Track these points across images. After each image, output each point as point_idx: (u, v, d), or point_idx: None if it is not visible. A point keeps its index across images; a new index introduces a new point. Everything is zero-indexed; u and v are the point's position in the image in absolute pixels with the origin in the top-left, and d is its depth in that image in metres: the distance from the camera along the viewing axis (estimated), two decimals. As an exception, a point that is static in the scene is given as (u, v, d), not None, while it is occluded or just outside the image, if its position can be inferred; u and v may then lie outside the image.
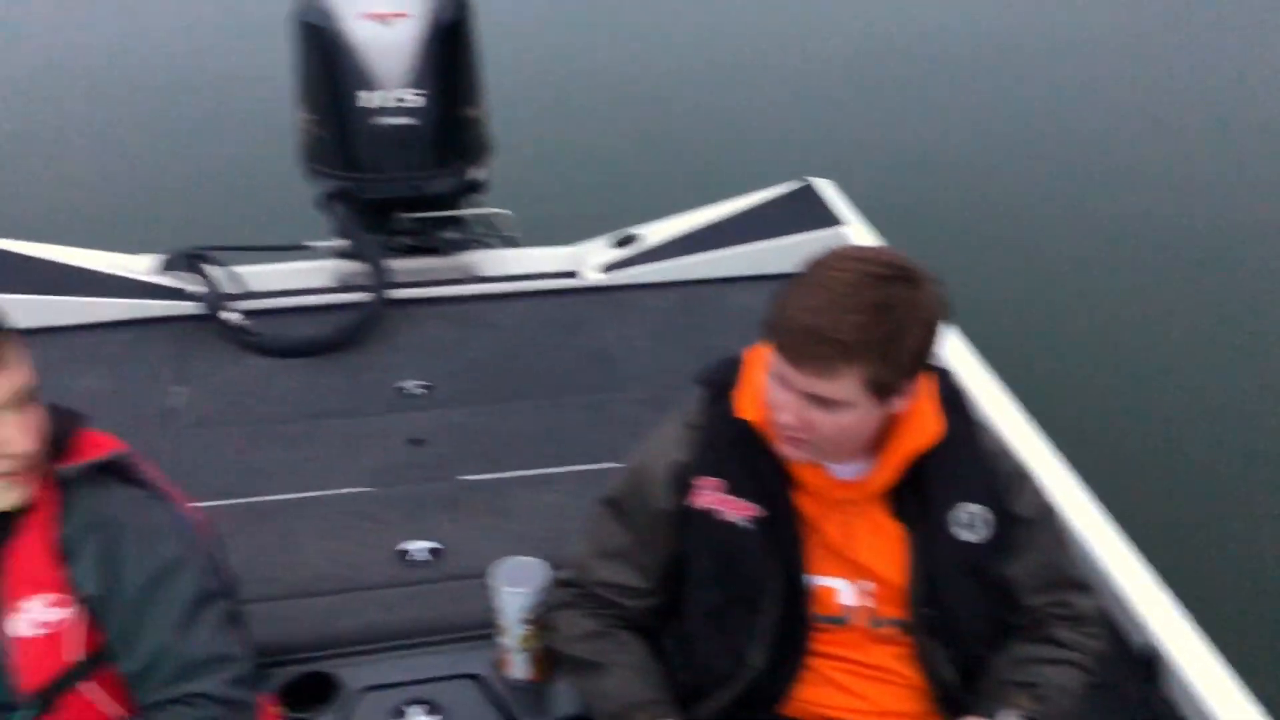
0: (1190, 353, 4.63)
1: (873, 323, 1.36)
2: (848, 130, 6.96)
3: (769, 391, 1.47)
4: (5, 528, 1.46)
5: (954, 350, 2.87)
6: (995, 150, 6.71)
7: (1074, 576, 1.67)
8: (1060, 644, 1.61)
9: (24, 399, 1.44)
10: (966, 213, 5.87)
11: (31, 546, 1.46)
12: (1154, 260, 5.42)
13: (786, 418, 1.44)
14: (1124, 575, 2.11)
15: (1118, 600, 2.07)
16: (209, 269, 3.36)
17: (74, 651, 1.46)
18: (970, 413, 1.63)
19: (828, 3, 9.41)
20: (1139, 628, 2.02)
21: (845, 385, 1.40)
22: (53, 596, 1.46)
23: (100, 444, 1.56)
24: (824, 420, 1.43)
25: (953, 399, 1.61)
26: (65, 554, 1.47)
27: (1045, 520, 1.64)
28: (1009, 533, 1.59)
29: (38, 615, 1.44)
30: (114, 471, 1.55)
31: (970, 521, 1.56)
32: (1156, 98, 7.47)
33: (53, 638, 1.45)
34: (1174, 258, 5.45)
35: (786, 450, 1.50)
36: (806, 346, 1.37)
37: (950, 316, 1.45)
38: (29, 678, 1.44)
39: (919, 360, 1.43)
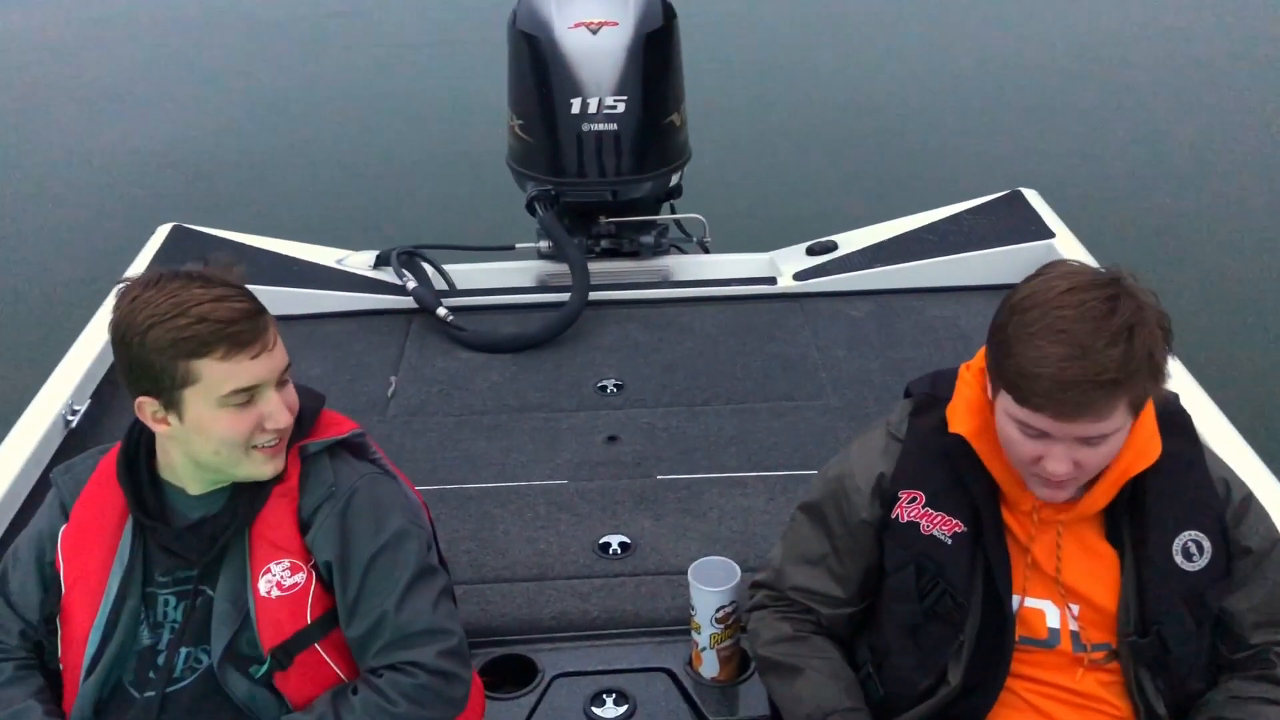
0: None
1: (1129, 352, 1.33)
2: (1054, 142, 6.71)
3: (1015, 442, 1.43)
4: (259, 496, 1.59)
5: (1174, 371, 2.74)
6: (1205, 163, 6.34)
7: None
8: (1282, 684, 1.53)
9: (285, 378, 1.57)
10: (1176, 226, 5.58)
11: (279, 514, 1.59)
12: None
13: (1059, 468, 1.40)
14: None
15: None
16: (424, 266, 3.52)
17: (309, 614, 1.58)
18: (1193, 435, 1.57)
19: (1037, 10, 9.08)
20: None
21: (1117, 418, 1.37)
22: (294, 562, 1.58)
23: (339, 423, 1.68)
24: (1093, 457, 1.41)
25: (1174, 420, 1.56)
26: (305, 523, 1.59)
27: (1274, 552, 1.56)
28: (1233, 563, 1.53)
29: (280, 578, 1.57)
30: (349, 449, 1.67)
31: (1190, 549, 1.51)
32: None
33: (292, 599, 1.57)
34: None
35: (1048, 496, 1.47)
36: (1078, 399, 1.34)
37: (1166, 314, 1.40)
38: (269, 635, 1.56)
39: (1166, 365, 1.39)
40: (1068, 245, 3.36)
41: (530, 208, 3.54)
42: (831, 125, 7.05)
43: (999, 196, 3.69)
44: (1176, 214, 5.72)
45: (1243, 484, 1.58)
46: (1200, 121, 6.92)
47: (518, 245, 3.66)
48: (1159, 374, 1.36)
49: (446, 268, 3.54)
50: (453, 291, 3.48)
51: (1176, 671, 1.53)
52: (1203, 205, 5.79)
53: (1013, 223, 3.53)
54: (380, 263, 3.55)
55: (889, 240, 3.59)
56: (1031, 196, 3.67)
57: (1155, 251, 5.15)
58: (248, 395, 1.52)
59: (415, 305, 3.38)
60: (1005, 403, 1.41)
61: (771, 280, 3.51)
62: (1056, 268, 1.42)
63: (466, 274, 3.55)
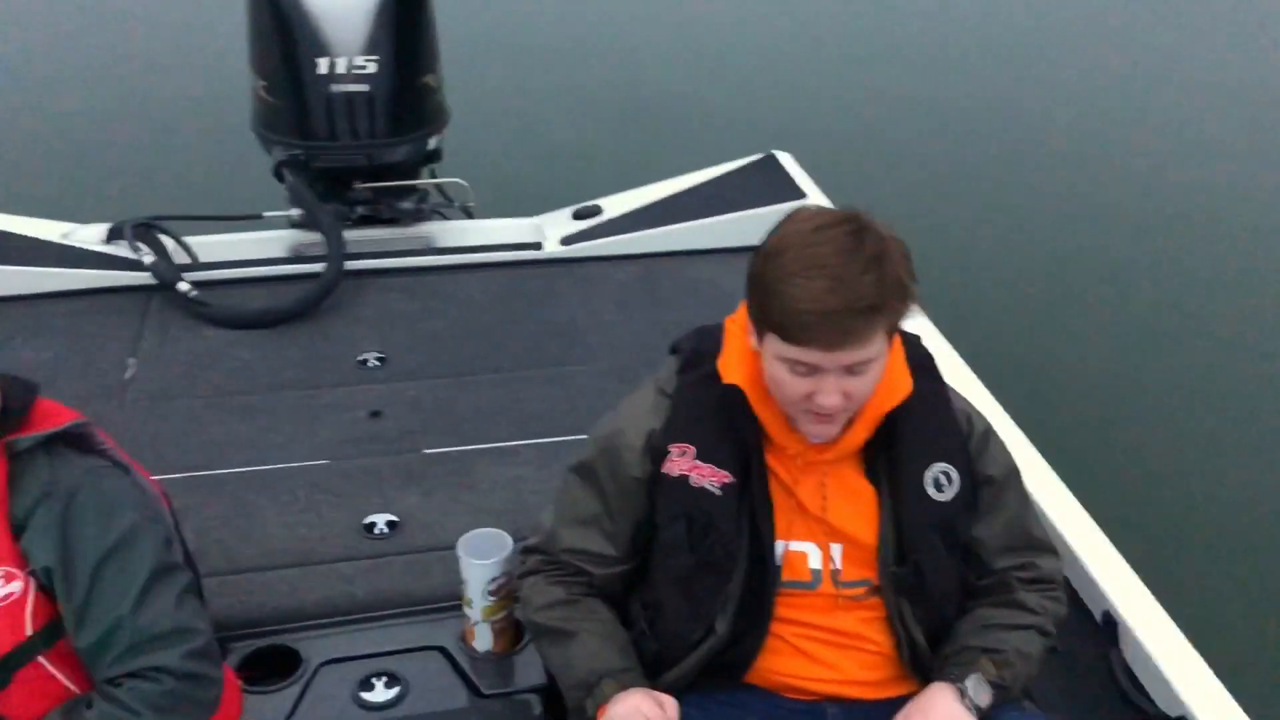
0: (1146, 318, 4.71)
1: (881, 276, 1.38)
2: (808, 104, 6.98)
3: (786, 384, 1.46)
4: None
5: (917, 320, 2.90)
6: (949, 123, 6.76)
7: (1039, 538, 1.69)
8: (1024, 607, 1.63)
9: None
10: (923, 183, 5.92)
11: None
12: (1113, 224, 5.50)
13: (831, 400, 1.44)
14: (1082, 541, 2.14)
15: (1077, 565, 2.11)
16: (162, 239, 3.31)
17: (28, 625, 1.43)
18: (936, 373, 1.65)
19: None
20: (1098, 593, 2.06)
21: (877, 343, 1.43)
22: (7, 570, 1.43)
23: (56, 414, 1.52)
24: (860, 384, 1.46)
25: (921, 361, 1.63)
26: (18, 526, 1.44)
27: (1012, 480, 1.66)
28: (978, 493, 1.61)
29: None
30: (70, 442, 1.52)
31: (940, 480, 1.58)
32: (1118, 74, 7.56)
33: (7, 611, 1.42)
34: (1132, 219, 5.53)
35: (820, 431, 1.51)
36: (841, 326, 1.38)
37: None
38: None
39: (912, 288, 1.45)
40: (817, 205, 3.49)
41: (278, 174, 3.40)
42: (595, 88, 7.08)
43: (754, 160, 3.82)
44: (921, 170, 6.07)
45: (983, 417, 1.67)
46: (945, 85, 7.36)
47: (266, 214, 3.52)
48: (908, 297, 1.42)
49: (188, 240, 3.36)
50: (196, 265, 3.30)
51: (932, 599, 1.60)
52: (946, 166, 6.17)
53: (768, 185, 3.66)
54: (113, 236, 3.31)
55: (652, 204, 3.64)
56: (784, 159, 3.81)
57: (897, 205, 5.43)
58: None
59: (154, 281, 3.18)
60: (773, 345, 1.44)
61: (537, 245, 3.51)
62: (799, 214, 1.47)
63: (211, 246, 3.37)
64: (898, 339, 1.56)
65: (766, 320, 1.43)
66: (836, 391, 1.44)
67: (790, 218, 1.46)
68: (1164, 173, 6.14)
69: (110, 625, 1.45)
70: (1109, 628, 2.01)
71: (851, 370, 1.43)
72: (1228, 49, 8.09)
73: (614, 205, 3.68)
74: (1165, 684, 1.88)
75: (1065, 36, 8.33)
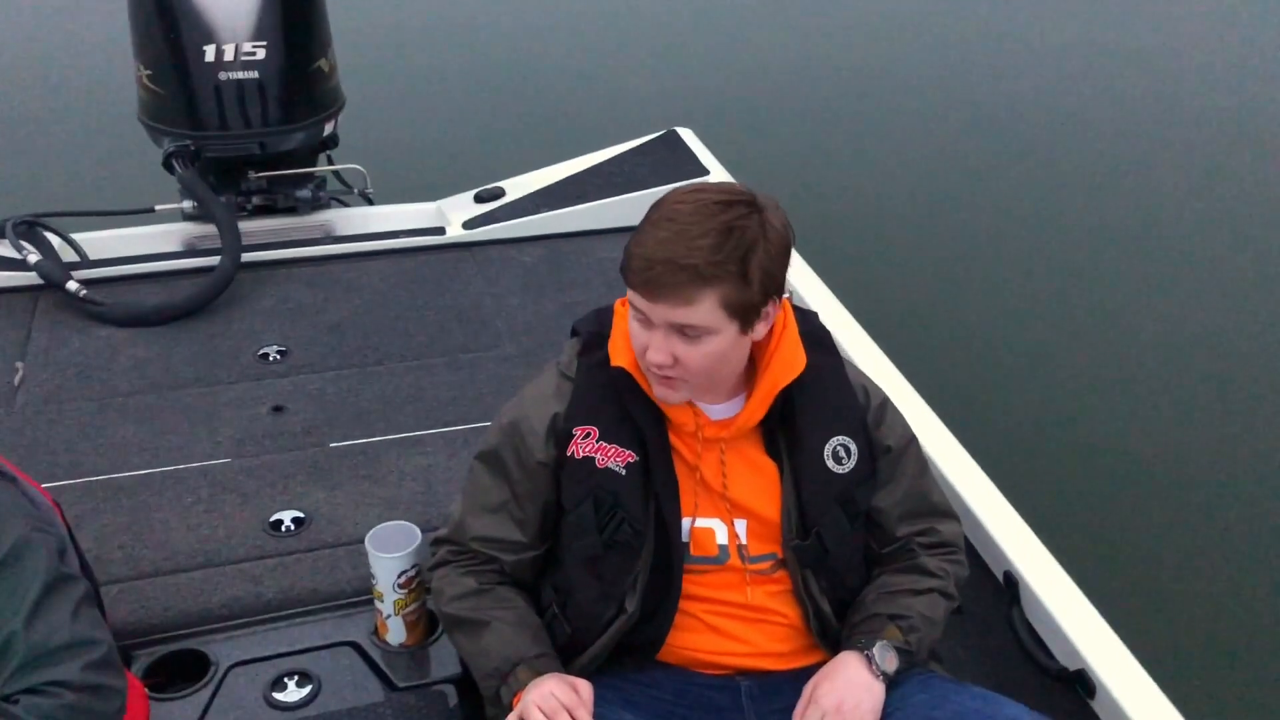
0: (1042, 278, 4.83)
1: (720, 244, 1.41)
2: (709, 79, 7.00)
3: (634, 335, 1.51)
4: None
5: (810, 288, 2.95)
6: (854, 93, 6.85)
7: (939, 504, 1.73)
8: (927, 572, 1.67)
9: None
10: (827, 155, 5.99)
11: None
12: (1013, 189, 5.62)
13: (656, 356, 1.48)
14: (982, 503, 2.20)
15: (978, 527, 2.16)
16: (48, 236, 3.21)
17: None
18: (833, 348, 1.68)
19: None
20: (998, 554, 2.12)
21: (705, 310, 1.44)
22: None
23: None
24: (691, 352, 1.47)
25: (816, 335, 1.66)
26: None
27: (910, 449, 1.70)
28: (877, 463, 1.65)
29: None
30: None
31: (839, 452, 1.61)
32: (1034, 39, 7.71)
33: None
34: (1032, 182, 5.66)
35: (662, 394, 1.54)
36: (662, 277, 1.42)
37: (795, 238, 1.51)
38: None
39: (772, 280, 1.48)
40: (721, 180, 3.52)
41: (168, 165, 3.33)
42: (493, 68, 7.02)
43: (656, 136, 3.84)
44: (826, 141, 6.14)
45: (879, 389, 1.71)
46: (849, 53, 7.44)
47: (158, 207, 3.44)
48: (749, 280, 1.44)
49: (76, 236, 3.27)
50: (85, 263, 3.21)
51: (836, 570, 1.64)
52: (850, 137, 6.24)
53: (670, 162, 3.68)
54: (-7, 236, 3.20)
55: (555, 184, 3.64)
56: (687, 135, 3.83)
57: (798, 176, 5.51)
58: None
59: (40, 281, 3.08)
60: (629, 294, 1.50)
61: (440, 230, 3.49)
62: (700, 185, 1.51)
63: (100, 242, 3.29)
64: (789, 313, 1.59)
65: (623, 269, 1.49)
66: (664, 349, 1.47)
67: (681, 187, 1.50)
68: (1066, 123, 6.29)
69: (2, 642, 1.41)
70: (1010, 587, 2.06)
71: (683, 334, 1.46)
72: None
73: (517, 187, 3.67)
74: (1065, 639, 1.94)
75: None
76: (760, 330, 1.52)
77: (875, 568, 1.71)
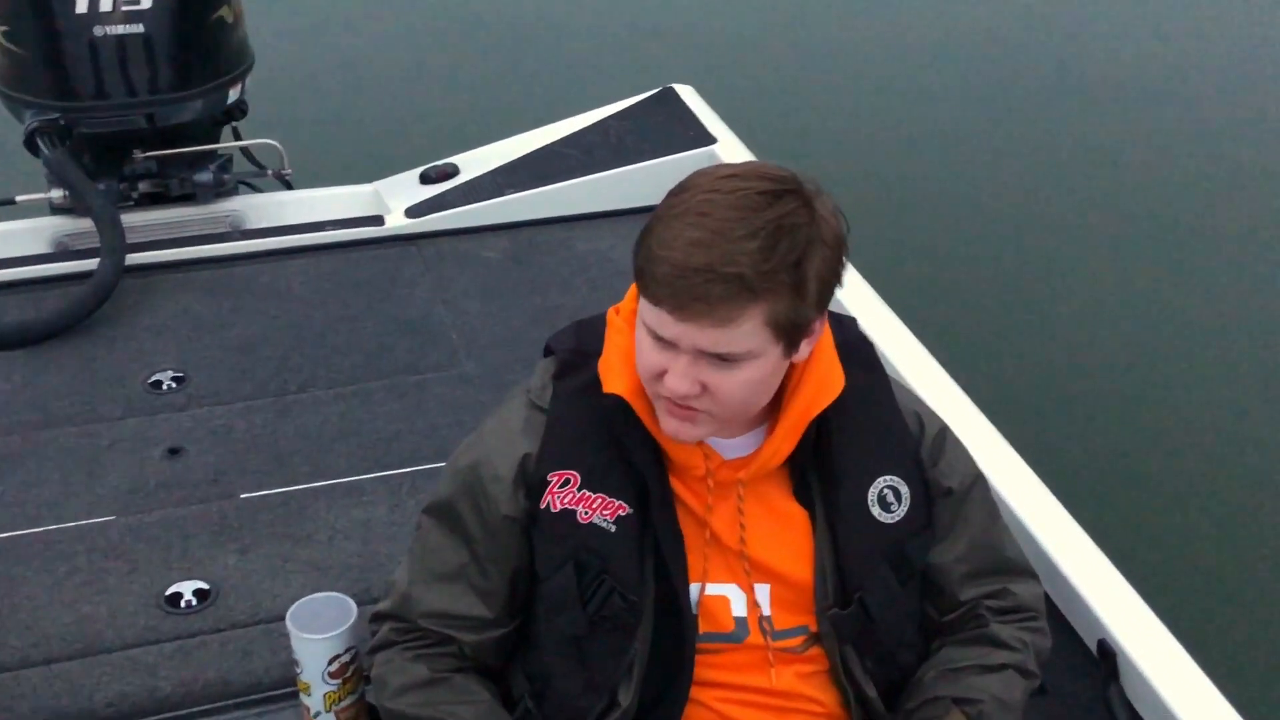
0: (1136, 297, 4.83)
1: (771, 247, 1.39)
2: (712, 26, 7.01)
3: (644, 355, 1.48)
4: None
5: (847, 287, 2.94)
6: (885, 50, 6.86)
7: (1014, 558, 1.73)
8: (1000, 644, 1.67)
9: None
10: (858, 119, 6.00)
11: None
12: (1095, 186, 5.61)
13: (680, 385, 1.45)
14: (1069, 556, 2.20)
15: (1065, 586, 2.16)
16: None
17: None
18: (876, 364, 1.67)
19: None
20: (1091, 619, 2.12)
21: (748, 330, 1.41)
22: None
23: None
24: (724, 382, 1.45)
25: (856, 347, 1.65)
26: None
27: (975, 491, 1.69)
28: (934, 509, 1.65)
29: None
30: None
31: (886, 496, 1.61)
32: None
33: None
34: (1119, 185, 5.65)
35: (674, 429, 1.52)
36: (696, 290, 1.39)
37: (850, 241, 1.49)
38: None
39: (827, 290, 1.47)
40: (733, 153, 3.54)
41: (31, 144, 3.34)
42: (443, 14, 7.03)
43: (648, 96, 3.85)
44: (852, 111, 6.15)
45: (936, 416, 1.70)
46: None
47: (19, 198, 3.46)
48: (804, 291, 1.42)
49: (-86, 237, 3.28)
50: (-75, 270, 3.22)
51: (885, 644, 1.63)
52: (886, 101, 6.26)
53: (667, 128, 3.70)
54: None
55: (523, 159, 3.67)
56: (686, 93, 3.85)
57: (831, 152, 5.52)
58: None
59: None
60: (641, 305, 1.47)
61: (378, 219, 3.51)
62: (732, 165, 1.49)
63: None
64: (825, 322, 1.58)
65: (635, 267, 1.46)
66: (689, 377, 1.44)
67: (707, 168, 1.48)
68: (1152, 110, 6.30)
69: None
70: (1106, 660, 2.07)
71: (716, 359, 1.43)
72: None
73: (474, 163, 3.68)
74: (1177, 723, 1.94)
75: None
76: (805, 351, 1.51)
77: (935, 640, 1.70)
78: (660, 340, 1.45)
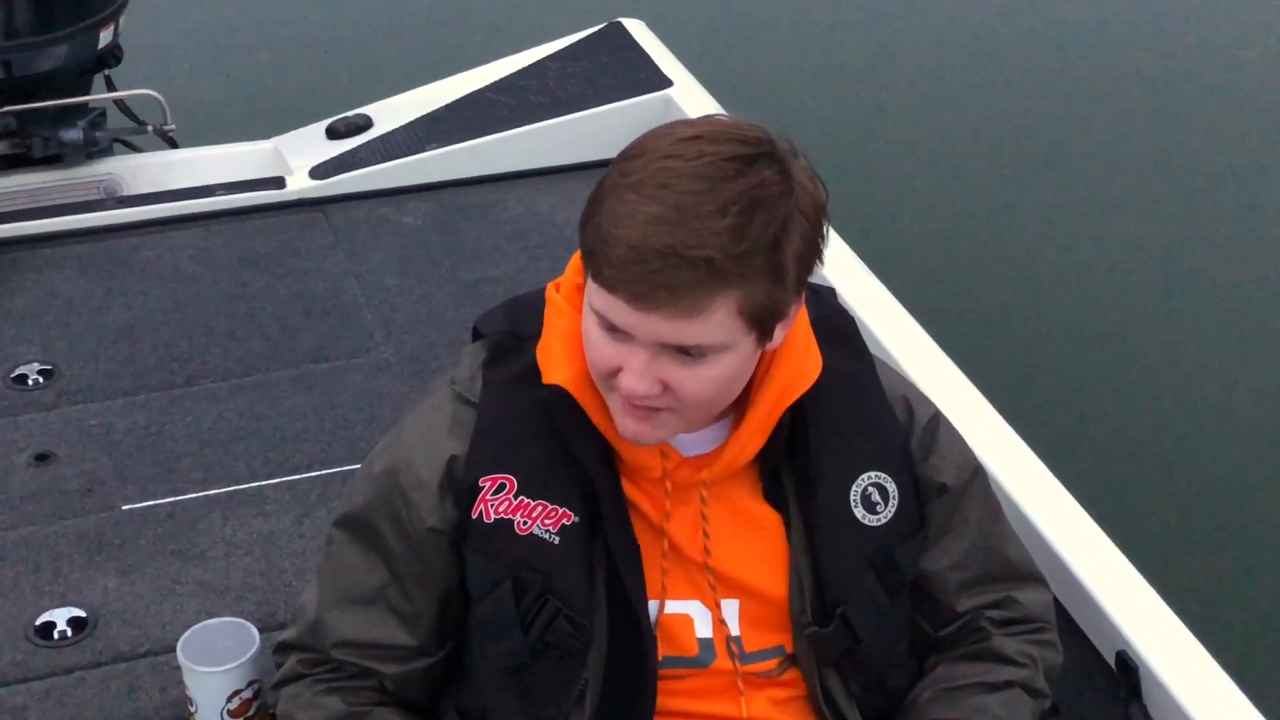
0: (1165, 257, 4.86)
1: (744, 225, 1.37)
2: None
3: (596, 349, 1.47)
4: None
5: (833, 259, 2.95)
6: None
7: (1018, 563, 1.74)
8: (1004, 659, 1.68)
9: None
10: (838, 56, 6.02)
11: None
12: (1110, 130, 5.64)
13: (638, 384, 1.43)
14: (1086, 560, 2.21)
15: (1079, 592, 2.18)
16: None
17: None
18: (861, 342, 1.68)
19: None
20: (1109, 628, 2.14)
21: (718, 321, 1.40)
22: None
23: None
24: (689, 380, 1.44)
25: (835, 325, 1.65)
26: None
27: (974, 487, 1.70)
28: (926, 509, 1.66)
29: None
30: None
31: (871, 495, 1.62)
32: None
33: None
34: (1131, 135, 5.68)
35: (634, 432, 1.50)
36: (658, 276, 1.36)
37: (828, 198, 1.48)
38: None
39: (807, 271, 1.46)
40: (692, 97, 3.54)
41: None
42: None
43: (592, 33, 3.86)
44: (826, 49, 6.15)
45: (928, 402, 1.71)
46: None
47: None
48: (782, 274, 1.41)
49: None
50: None
51: (871, 666, 1.64)
52: (864, 36, 6.27)
53: (614, 69, 3.71)
54: None
55: (447, 108, 3.67)
56: (636, 29, 3.85)
57: (803, 95, 5.53)
58: None
59: None
60: (589, 288, 1.45)
61: (279, 181, 3.52)
62: (694, 122, 1.48)
63: None
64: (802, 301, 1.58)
65: (583, 245, 1.44)
66: (647, 375, 1.42)
67: (667, 125, 1.46)
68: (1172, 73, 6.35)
69: None
70: (1127, 675, 2.08)
71: (679, 352, 1.42)
72: None
73: (388, 114, 3.69)
74: (1208, 745, 1.97)
75: None
76: (779, 338, 1.50)
77: (930, 657, 1.72)
78: (613, 330, 1.43)
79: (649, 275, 1.36)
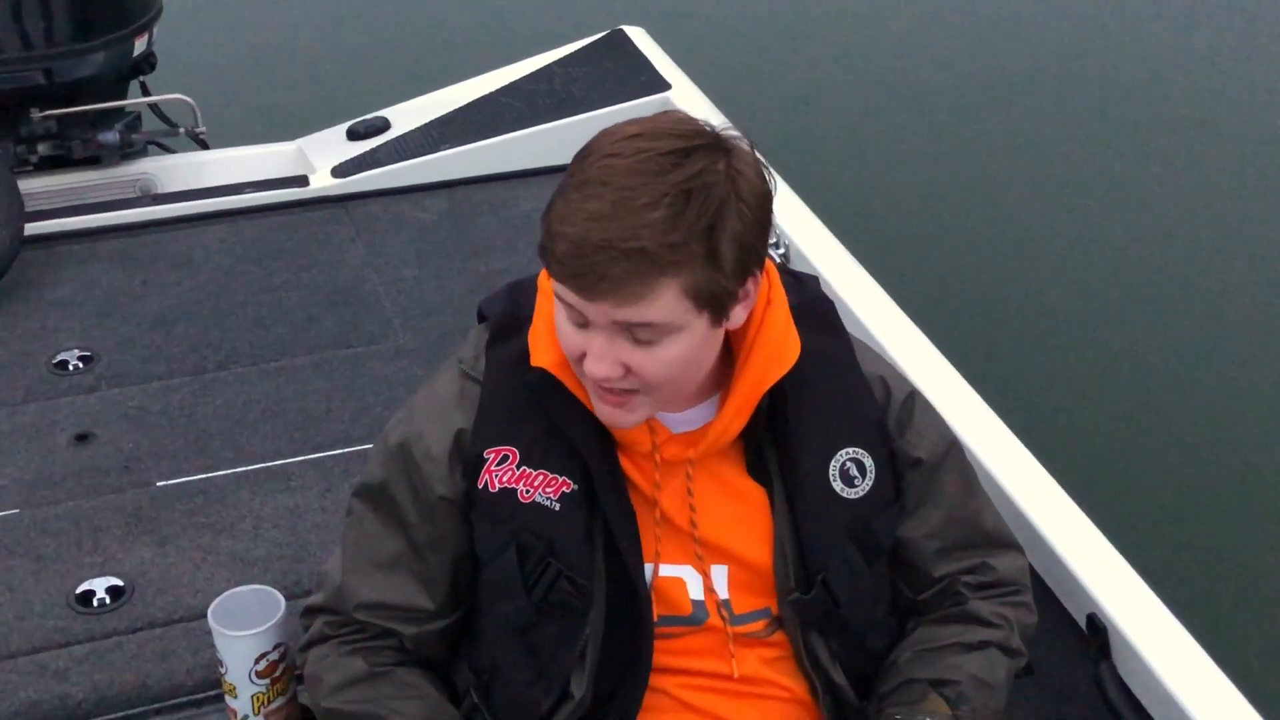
0: (1131, 244, 4.86)
1: (677, 215, 1.38)
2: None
3: (565, 337, 1.49)
4: None
5: (811, 241, 2.96)
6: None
7: (993, 530, 1.74)
8: (980, 620, 1.68)
9: None
10: (829, 60, 6.00)
11: None
12: (1091, 123, 5.62)
13: (598, 368, 1.45)
14: (1057, 527, 2.22)
15: (1051, 557, 2.19)
16: None
17: None
18: (839, 325, 1.69)
19: None
20: (1080, 592, 2.14)
21: (664, 304, 1.41)
22: None
23: None
24: (647, 362, 1.45)
25: (814, 309, 1.66)
26: None
27: (949, 459, 1.71)
28: (903, 481, 1.67)
29: None
30: None
31: (849, 470, 1.62)
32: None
33: None
34: (1110, 113, 5.68)
35: (610, 416, 1.52)
36: (598, 269, 1.38)
37: (776, 190, 1.49)
38: None
39: (751, 253, 1.46)
40: (689, 99, 3.55)
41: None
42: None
43: (596, 40, 3.86)
44: (820, 53, 6.13)
45: (904, 380, 1.72)
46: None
47: None
48: (719, 259, 1.41)
49: None
50: None
51: (851, 628, 1.65)
52: (857, 42, 6.25)
53: (617, 74, 3.71)
54: None
55: (460, 110, 3.68)
56: (637, 36, 3.86)
57: (797, 97, 5.51)
58: None
59: None
60: (552, 280, 1.47)
61: (302, 180, 3.53)
62: (638, 120, 1.48)
63: None
64: (776, 282, 1.59)
65: (541, 249, 1.45)
66: (608, 358, 1.44)
67: (613, 126, 1.47)
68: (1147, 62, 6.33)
69: None
70: (1097, 636, 2.09)
71: (634, 335, 1.43)
72: None
73: (406, 116, 3.69)
74: (1173, 703, 1.96)
75: None
76: (739, 316, 1.51)
77: (909, 620, 1.73)
78: (574, 318, 1.45)
79: (591, 268, 1.38)
